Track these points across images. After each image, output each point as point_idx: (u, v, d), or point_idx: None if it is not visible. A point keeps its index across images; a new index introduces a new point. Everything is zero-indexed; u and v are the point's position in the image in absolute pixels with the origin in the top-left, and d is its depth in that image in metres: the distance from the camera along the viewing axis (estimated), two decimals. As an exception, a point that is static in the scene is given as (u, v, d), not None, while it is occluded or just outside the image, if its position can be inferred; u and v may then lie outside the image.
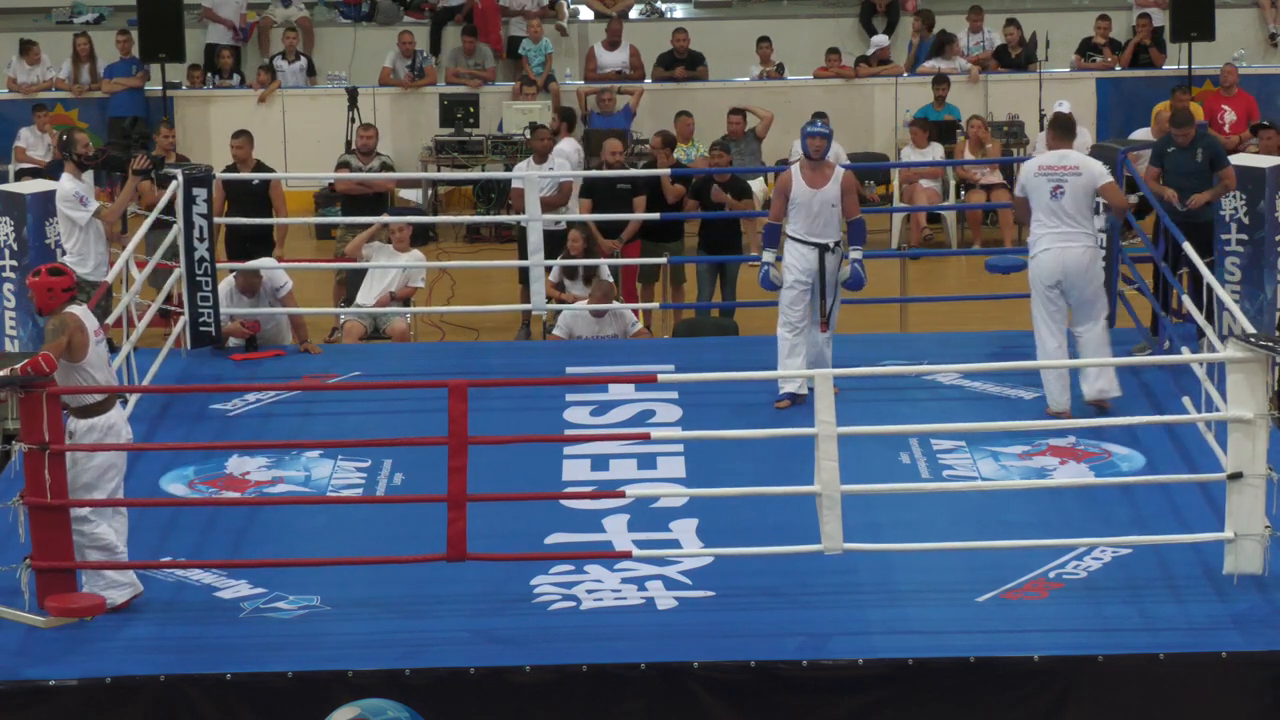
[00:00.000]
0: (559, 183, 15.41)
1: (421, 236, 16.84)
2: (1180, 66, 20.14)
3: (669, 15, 22.15)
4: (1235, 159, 12.67)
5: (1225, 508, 9.28)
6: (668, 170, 15.50)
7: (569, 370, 12.66)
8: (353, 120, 18.87)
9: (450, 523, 8.95)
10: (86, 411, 9.13)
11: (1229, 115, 19.51)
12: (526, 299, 14.16)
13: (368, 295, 14.33)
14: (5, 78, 20.45)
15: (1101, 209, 11.84)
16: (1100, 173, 11.47)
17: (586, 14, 21.83)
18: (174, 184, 12.91)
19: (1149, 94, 19.39)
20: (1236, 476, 9.19)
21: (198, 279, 12.95)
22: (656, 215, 14.98)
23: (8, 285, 12.11)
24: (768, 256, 11.71)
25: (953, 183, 18.80)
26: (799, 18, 21.80)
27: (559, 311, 13.88)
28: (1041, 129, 17.15)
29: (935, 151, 18.42)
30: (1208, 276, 11.39)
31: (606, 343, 13.47)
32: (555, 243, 14.40)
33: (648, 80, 20.38)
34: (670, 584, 9.38)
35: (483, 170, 19.19)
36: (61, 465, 8.95)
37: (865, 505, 9.69)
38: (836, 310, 11.72)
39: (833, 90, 20.13)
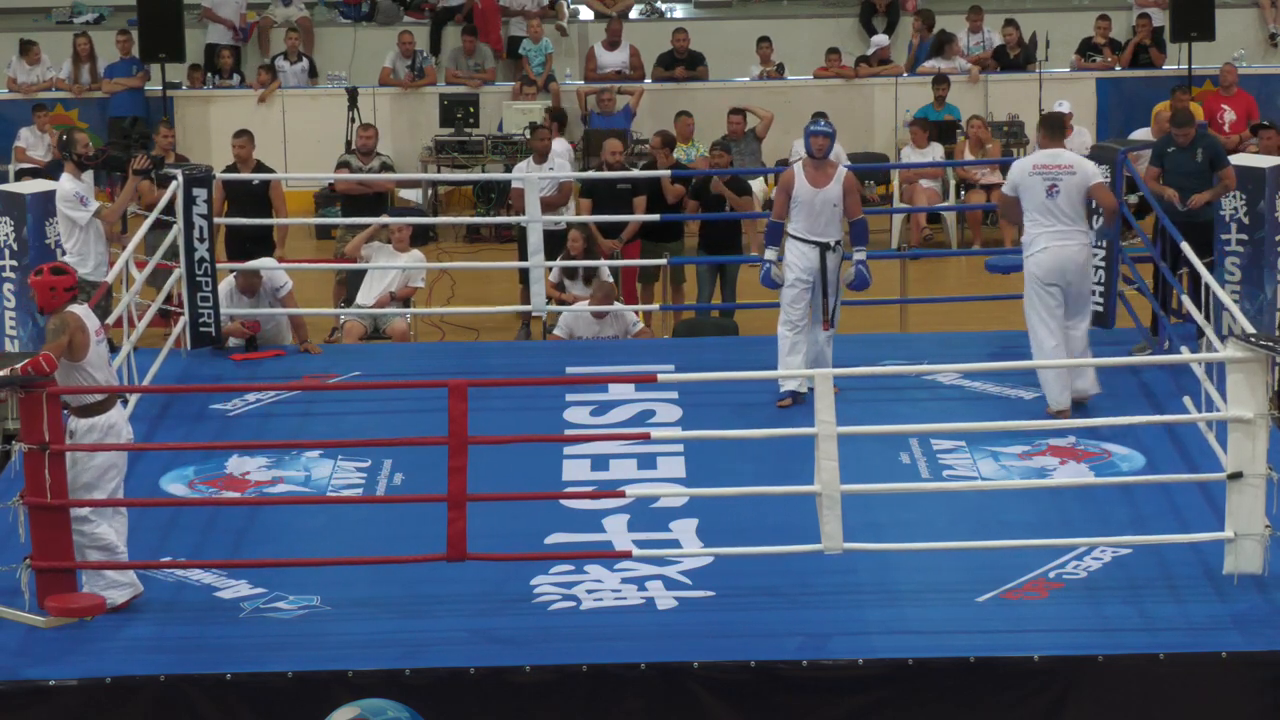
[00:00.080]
0: (559, 183, 15.42)
1: (421, 237, 16.84)
2: (1180, 66, 20.14)
3: (669, 15, 22.16)
4: (1235, 159, 12.67)
5: (1225, 508, 9.29)
6: (668, 170, 15.51)
7: (569, 370, 12.66)
8: (353, 120, 18.86)
9: (450, 523, 8.95)
10: (87, 411, 9.13)
11: (1229, 115, 19.51)
12: (526, 299, 14.17)
13: (368, 295, 14.33)
14: (5, 78, 20.45)
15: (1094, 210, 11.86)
16: (1093, 172, 11.53)
17: (586, 14, 21.83)
18: (174, 184, 12.91)
19: (1149, 94, 19.40)
20: (1236, 476, 9.20)
21: (198, 279, 12.96)
22: (656, 216, 14.98)
23: (8, 285, 12.11)
24: (770, 255, 11.71)
25: (953, 183, 18.80)
26: (799, 18, 21.80)
27: (559, 312, 13.88)
28: (1042, 129, 17.14)
29: (935, 151, 18.42)
30: (1207, 276, 11.40)
31: (606, 343, 13.48)
32: (555, 243, 14.40)
33: (648, 80, 20.38)
34: (670, 584, 9.38)
35: (483, 170, 19.19)
36: (61, 465, 8.94)
37: (865, 505, 9.69)
38: (839, 308, 11.72)
39: (833, 90, 20.13)
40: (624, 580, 9.42)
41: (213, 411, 11.85)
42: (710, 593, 9.28)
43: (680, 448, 10.98)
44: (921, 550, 9.51)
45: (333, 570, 9.48)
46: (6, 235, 12.08)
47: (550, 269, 14.15)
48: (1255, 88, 19.96)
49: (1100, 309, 12.71)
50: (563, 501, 10.14)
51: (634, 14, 21.74)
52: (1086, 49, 20.64)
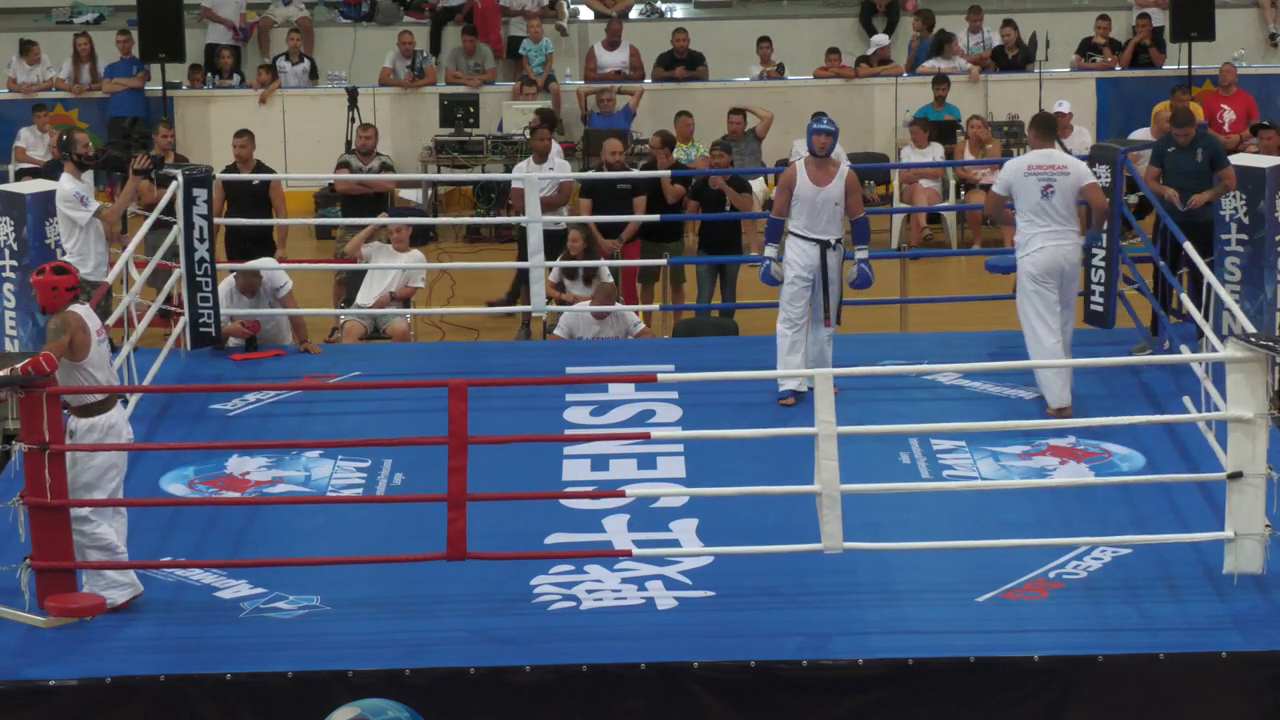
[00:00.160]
0: (559, 183, 15.41)
1: (421, 237, 16.84)
2: (1180, 66, 20.14)
3: (669, 15, 22.15)
4: (1235, 159, 12.67)
5: (1225, 507, 9.29)
6: (668, 171, 15.51)
7: (569, 370, 12.66)
8: (353, 120, 18.85)
9: (450, 522, 8.95)
10: (87, 411, 9.13)
11: (1229, 115, 19.51)
12: (526, 300, 14.17)
13: (368, 295, 14.33)
14: (5, 78, 20.44)
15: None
16: (1085, 172, 11.62)
17: (586, 14, 21.83)
18: (174, 184, 12.91)
19: (1149, 94, 19.39)
20: (1236, 476, 9.20)
21: (198, 279, 12.95)
22: (656, 216, 14.98)
23: (8, 285, 12.11)
24: (770, 252, 11.71)
25: (953, 183, 18.80)
26: (799, 18, 21.80)
27: (559, 312, 13.88)
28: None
29: (935, 151, 18.42)
30: (1208, 276, 11.40)
31: (606, 343, 13.47)
32: (555, 243, 14.40)
33: (648, 80, 20.37)
34: (670, 584, 9.38)
35: (483, 170, 19.19)
36: (61, 465, 8.95)
37: (865, 505, 9.69)
38: (842, 306, 11.72)
39: (833, 90, 20.13)
40: (624, 580, 9.42)
41: (213, 411, 11.85)
42: (710, 593, 9.28)
43: (680, 448, 10.98)
44: (921, 550, 9.51)
45: (333, 570, 9.48)
46: (6, 235, 12.08)
47: (550, 269, 14.15)
48: (1255, 88, 19.96)
49: (1100, 309, 12.73)
50: (563, 501, 10.13)
51: (634, 14, 21.73)
52: (1086, 49, 20.64)
